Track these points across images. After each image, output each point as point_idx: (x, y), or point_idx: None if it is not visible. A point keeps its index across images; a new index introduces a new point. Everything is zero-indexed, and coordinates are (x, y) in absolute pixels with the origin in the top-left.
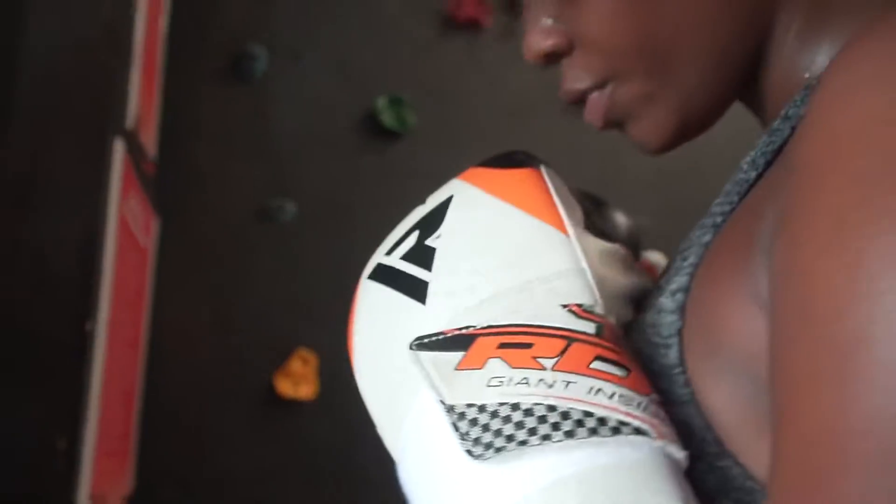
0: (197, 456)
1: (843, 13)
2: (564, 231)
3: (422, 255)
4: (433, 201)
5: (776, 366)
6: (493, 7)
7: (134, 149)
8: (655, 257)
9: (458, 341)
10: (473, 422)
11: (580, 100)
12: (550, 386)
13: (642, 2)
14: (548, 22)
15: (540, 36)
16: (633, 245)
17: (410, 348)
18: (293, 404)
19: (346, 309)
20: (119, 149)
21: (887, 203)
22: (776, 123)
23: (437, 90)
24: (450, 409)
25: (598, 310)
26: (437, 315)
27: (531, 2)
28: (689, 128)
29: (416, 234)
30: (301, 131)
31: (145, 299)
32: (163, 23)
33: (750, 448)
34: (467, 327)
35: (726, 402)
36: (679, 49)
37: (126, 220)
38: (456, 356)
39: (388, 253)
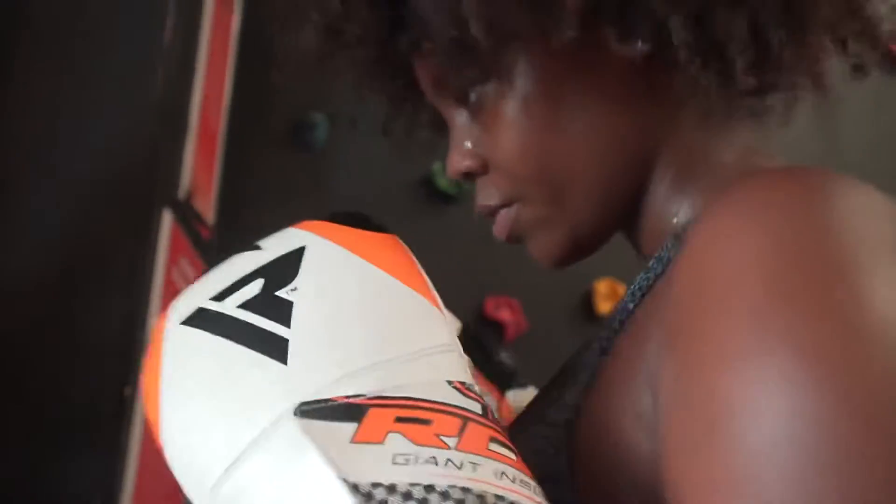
0: None
1: (706, 175)
2: (437, 305)
3: (272, 308)
4: (273, 249)
5: (670, 454)
6: None
7: (186, 217)
8: (520, 396)
9: (348, 410)
10: (383, 503)
11: (491, 215)
12: (459, 467)
13: (544, 141)
14: (468, 145)
15: (459, 157)
16: (503, 373)
17: (295, 414)
18: None
19: None
20: (167, 219)
21: (752, 332)
22: (651, 262)
23: None
24: (353, 487)
25: (476, 389)
26: (309, 378)
27: (454, 126)
28: (578, 249)
29: (259, 281)
30: (359, 196)
31: None
32: (226, 93)
33: None
34: (356, 395)
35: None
36: (572, 183)
37: (176, 285)
38: (349, 427)
39: (217, 298)
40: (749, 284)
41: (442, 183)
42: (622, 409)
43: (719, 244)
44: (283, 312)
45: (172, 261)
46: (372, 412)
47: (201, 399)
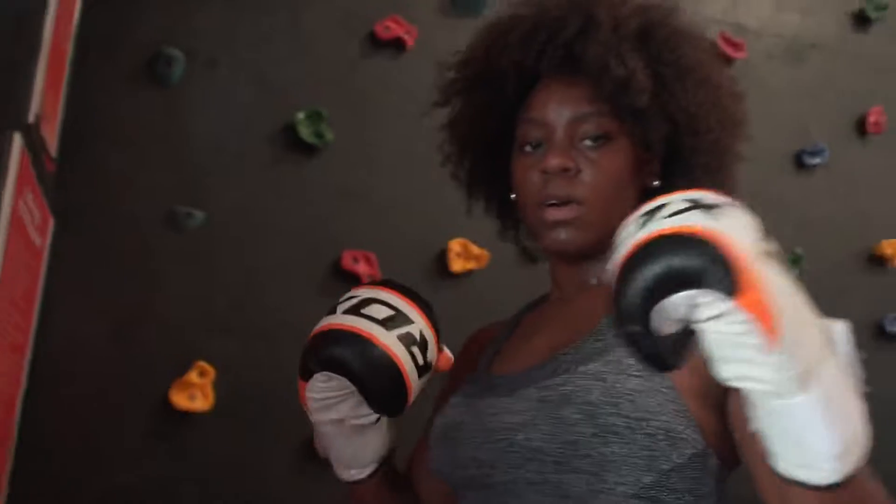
0: (84, 469)
1: None
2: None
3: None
4: (730, 212)
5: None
6: (416, 27)
7: (33, 144)
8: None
9: None
10: None
11: (561, 203)
12: None
13: (619, 182)
14: (572, 153)
15: (566, 158)
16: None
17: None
18: (188, 417)
19: (249, 323)
20: (17, 142)
21: None
22: None
23: (357, 106)
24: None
25: None
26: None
27: (566, 140)
28: (587, 249)
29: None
30: (215, 140)
31: (35, 302)
32: (75, 17)
33: None
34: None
35: None
36: (614, 213)
37: (20, 217)
38: None
39: (760, 238)
40: None
41: (304, 133)
42: None
43: None
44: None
45: (20, 192)
46: None
47: (801, 306)
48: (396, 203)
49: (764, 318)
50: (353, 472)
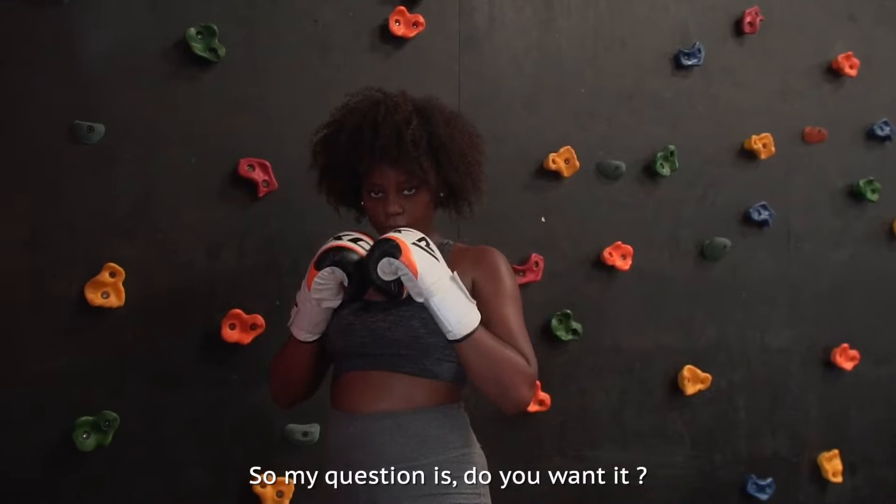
0: (10, 359)
1: (436, 234)
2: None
3: (432, 250)
4: (408, 235)
5: (494, 316)
6: None
7: None
8: None
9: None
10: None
11: (397, 216)
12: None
13: (425, 212)
14: (399, 200)
15: (399, 206)
16: None
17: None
18: (102, 312)
19: (152, 228)
20: None
21: (510, 276)
22: (444, 248)
23: (248, 21)
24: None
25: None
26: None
27: (395, 193)
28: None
29: (425, 240)
30: (110, 56)
31: None
32: None
33: None
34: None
35: None
36: (423, 224)
37: None
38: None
39: (415, 243)
40: (508, 269)
41: (198, 48)
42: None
43: (500, 258)
44: (435, 251)
45: None
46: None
47: (432, 260)
48: (288, 112)
49: (412, 265)
50: (308, 335)
